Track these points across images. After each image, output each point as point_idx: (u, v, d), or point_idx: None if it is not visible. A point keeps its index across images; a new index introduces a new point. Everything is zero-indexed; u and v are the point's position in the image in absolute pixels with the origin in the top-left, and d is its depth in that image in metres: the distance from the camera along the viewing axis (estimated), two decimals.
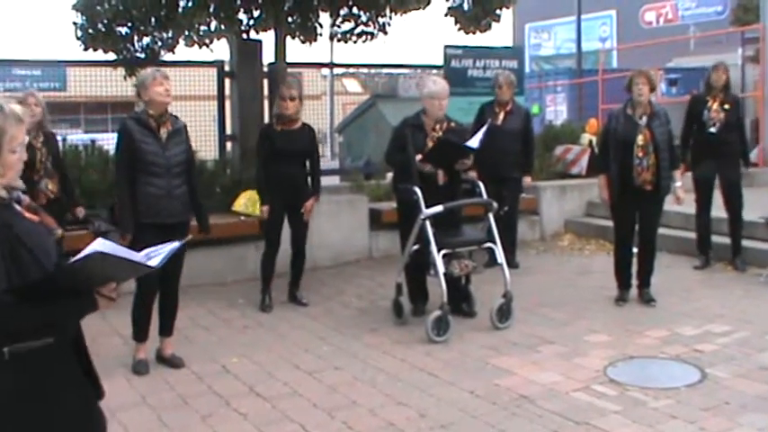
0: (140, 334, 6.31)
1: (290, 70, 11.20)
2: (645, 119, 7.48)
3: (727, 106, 8.85)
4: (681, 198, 7.77)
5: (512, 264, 8.71)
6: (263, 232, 8.16)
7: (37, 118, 6.95)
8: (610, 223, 8.16)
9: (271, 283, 8.05)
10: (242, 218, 9.14)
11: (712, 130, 8.86)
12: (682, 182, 7.74)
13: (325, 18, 10.87)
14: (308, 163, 8.03)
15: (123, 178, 6.13)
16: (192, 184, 6.37)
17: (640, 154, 7.42)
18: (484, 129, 7.38)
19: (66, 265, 2.75)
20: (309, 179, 8.08)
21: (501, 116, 9.30)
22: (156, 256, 2.97)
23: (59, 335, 2.93)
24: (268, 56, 10.74)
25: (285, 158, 7.79)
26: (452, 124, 7.49)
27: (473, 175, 7.85)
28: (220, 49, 17.76)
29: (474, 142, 7.17)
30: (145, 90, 6.04)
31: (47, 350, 2.86)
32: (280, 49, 10.43)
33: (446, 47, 11.73)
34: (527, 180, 9.67)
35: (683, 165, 8.46)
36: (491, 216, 7.24)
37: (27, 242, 2.87)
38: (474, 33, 11.17)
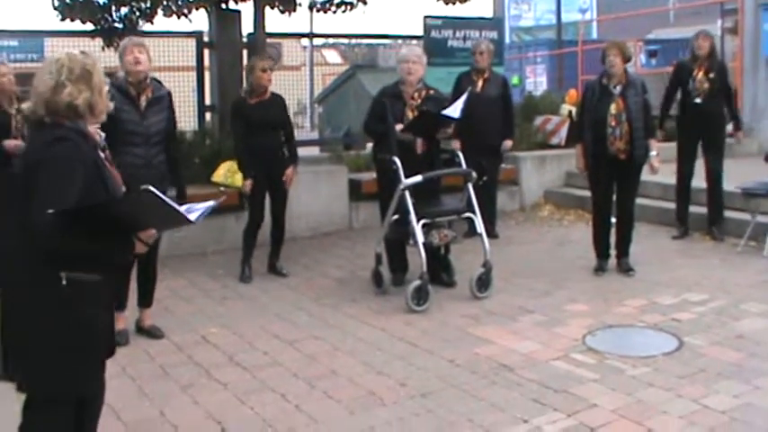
0: (118, 304, 6.27)
1: (269, 41, 11.14)
2: (619, 88, 7.49)
3: (712, 75, 8.86)
4: (656, 167, 7.75)
5: (491, 234, 8.73)
6: (248, 206, 8.09)
7: (10, 87, 7.14)
8: (589, 193, 8.17)
9: (251, 254, 8.06)
10: (221, 188, 9.08)
11: (698, 100, 8.89)
12: (657, 151, 7.74)
13: None
14: (281, 133, 8.00)
15: None
16: (172, 153, 6.33)
17: (613, 123, 7.43)
18: (464, 97, 7.35)
19: (122, 197, 3.20)
20: (285, 149, 8.04)
21: (480, 84, 9.31)
22: (195, 211, 3.20)
23: (105, 273, 3.36)
24: (247, 26, 10.68)
25: (260, 130, 7.76)
26: (431, 92, 7.48)
27: (455, 145, 7.84)
28: (199, 20, 17.65)
29: (455, 111, 7.14)
30: (121, 60, 6.08)
31: (96, 284, 3.30)
32: (259, 19, 10.36)
33: (426, 17, 11.69)
34: (508, 144, 9.62)
35: (660, 133, 8.49)
36: (470, 186, 7.24)
37: (108, 185, 3.30)
38: (454, 4, 11.15)
